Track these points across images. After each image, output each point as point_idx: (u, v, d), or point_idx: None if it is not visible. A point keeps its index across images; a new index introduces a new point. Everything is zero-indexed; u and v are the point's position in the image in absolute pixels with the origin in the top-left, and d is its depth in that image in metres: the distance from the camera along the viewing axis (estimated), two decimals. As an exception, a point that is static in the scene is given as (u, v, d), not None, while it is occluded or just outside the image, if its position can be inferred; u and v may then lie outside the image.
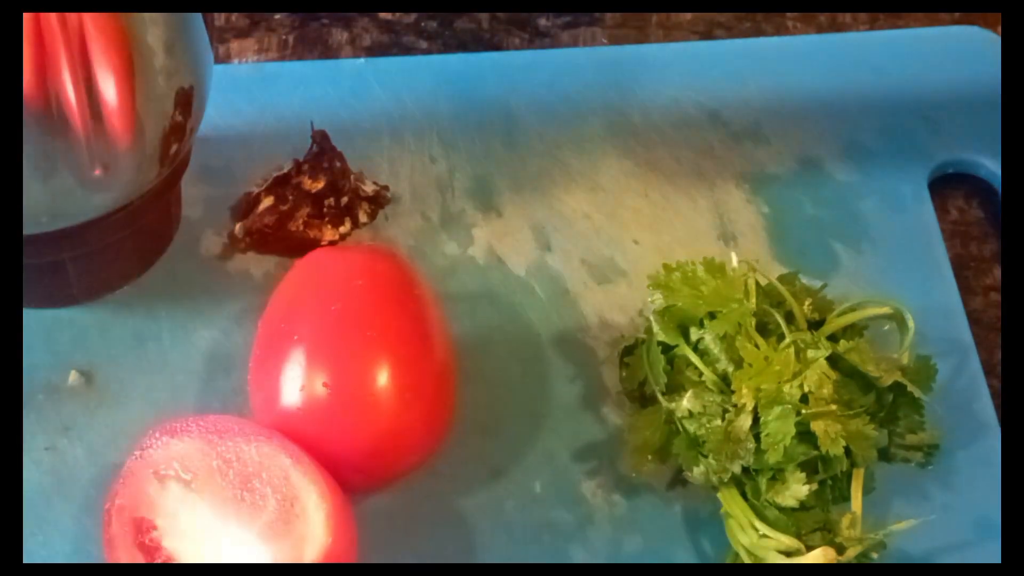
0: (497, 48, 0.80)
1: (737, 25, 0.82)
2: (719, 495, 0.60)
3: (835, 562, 0.57)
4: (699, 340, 0.62)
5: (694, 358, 0.61)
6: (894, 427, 0.62)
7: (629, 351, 0.65)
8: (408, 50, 0.79)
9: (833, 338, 0.62)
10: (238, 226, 0.69)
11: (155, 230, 0.67)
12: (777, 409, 0.59)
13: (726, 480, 0.59)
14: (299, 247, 0.67)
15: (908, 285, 0.70)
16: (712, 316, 0.61)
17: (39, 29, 0.51)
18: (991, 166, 0.75)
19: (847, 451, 0.59)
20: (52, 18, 0.51)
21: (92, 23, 0.52)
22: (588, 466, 0.64)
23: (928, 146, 0.76)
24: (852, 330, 0.63)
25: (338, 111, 0.74)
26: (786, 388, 0.59)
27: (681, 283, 0.62)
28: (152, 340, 0.65)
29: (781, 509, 0.59)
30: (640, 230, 0.72)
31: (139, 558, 0.54)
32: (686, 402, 0.60)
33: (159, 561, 0.54)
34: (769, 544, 0.58)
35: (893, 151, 0.76)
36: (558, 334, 0.68)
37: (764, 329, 0.62)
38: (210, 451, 0.56)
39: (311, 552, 0.54)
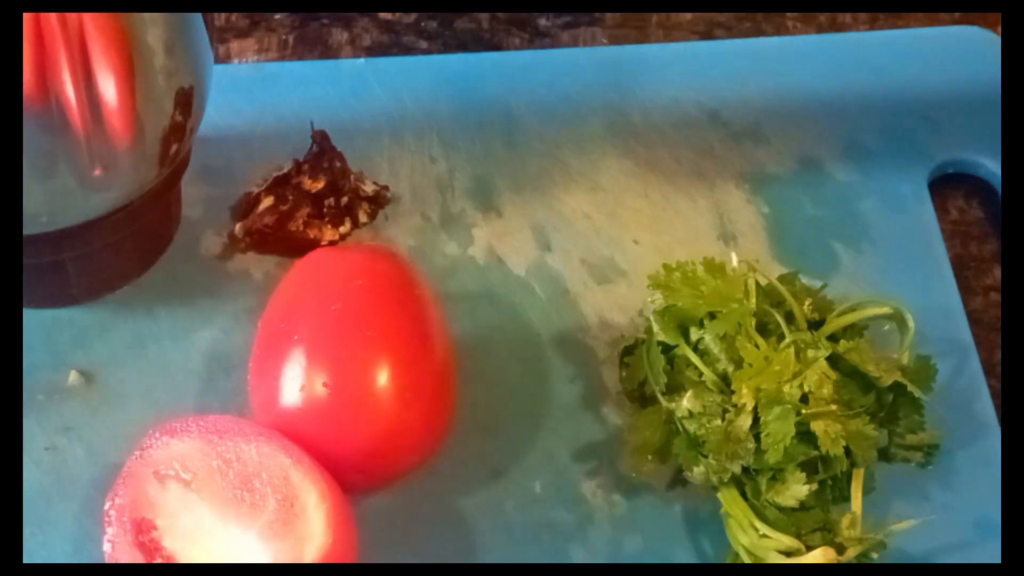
0: (497, 48, 0.80)
1: (737, 25, 0.82)
2: (719, 495, 0.60)
3: (835, 562, 0.57)
4: (699, 340, 0.62)
5: (694, 358, 0.61)
6: (894, 427, 0.62)
7: (629, 351, 0.65)
8: (408, 50, 0.79)
9: (833, 338, 0.62)
10: (238, 226, 0.69)
11: (155, 230, 0.67)
12: (777, 409, 0.59)
13: (726, 480, 0.59)
14: (299, 247, 0.67)
15: (908, 285, 0.70)
16: (712, 316, 0.61)
17: (39, 29, 0.51)
18: (991, 166, 0.75)
19: (847, 451, 0.59)
20: (52, 18, 0.51)
21: (92, 23, 0.52)
22: (588, 466, 0.64)
23: (928, 146, 0.76)
24: (852, 330, 0.63)
25: (338, 111, 0.74)
26: (786, 388, 0.59)
27: (681, 283, 0.62)
28: (152, 340, 0.65)
29: (781, 509, 0.59)
30: (640, 230, 0.72)
31: (139, 558, 0.54)
32: (686, 402, 0.60)
33: (159, 561, 0.54)
34: (769, 544, 0.58)
35: (893, 151, 0.76)
36: (558, 334, 0.68)
37: (764, 329, 0.62)
38: (210, 451, 0.56)
39: (311, 552, 0.54)
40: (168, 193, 0.64)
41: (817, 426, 0.59)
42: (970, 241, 0.74)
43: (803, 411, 0.59)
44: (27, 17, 0.51)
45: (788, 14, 0.83)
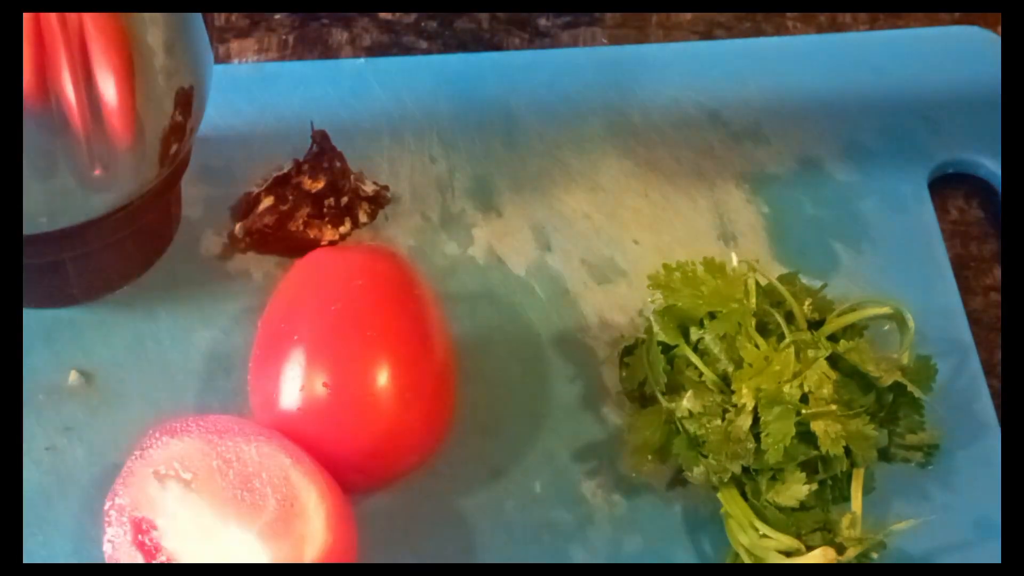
0: (497, 48, 0.80)
1: (737, 25, 0.82)
2: (719, 495, 0.60)
3: (835, 562, 0.57)
4: (699, 340, 0.62)
5: (694, 358, 0.61)
6: (894, 427, 0.62)
7: (629, 351, 0.65)
8: (408, 50, 0.79)
9: (833, 338, 0.62)
10: (238, 226, 0.69)
11: (155, 230, 0.67)
12: (777, 409, 0.59)
13: (726, 480, 0.59)
14: (299, 247, 0.67)
15: (908, 285, 0.70)
16: (712, 316, 0.61)
17: (39, 29, 0.51)
18: (991, 166, 0.75)
19: (847, 451, 0.59)
20: (52, 18, 0.51)
21: (92, 23, 0.52)
22: (588, 466, 0.64)
23: (928, 146, 0.76)
24: (852, 330, 0.63)
25: (338, 111, 0.74)
26: (786, 388, 0.59)
27: (681, 283, 0.62)
28: (152, 340, 0.65)
29: (781, 509, 0.59)
30: (640, 230, 0.72)
31: (139, 558, 0.54)
32: (686, 402, 0.60)
33: (159, 561, 0.54)
34: (769, 544, 0.58)
35: (893, 151, 0.76)
36: (558, 334, 0.68)
37: (764, 329, 0.62)
38: (210, 451, 0.56)
39: (311, 552, 0.54)
40: (168, 193, 0.64)
41: (817, 426, 0.59)
42: (970, 241, 0.74)
43: (803, 411, 0.59)
44: (27, 17, 0.51)
45: (788, 14, 0.83)
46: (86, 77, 0.53)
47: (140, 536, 0.54)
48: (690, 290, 0.62)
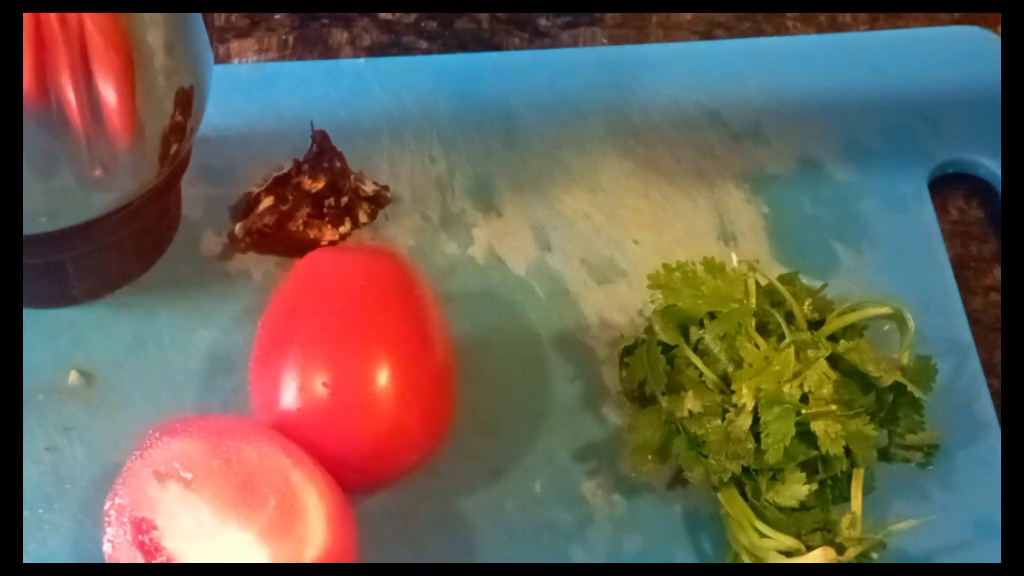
0: (497, 48, 0.80)
1: (737, 25, 0.82)
2: (719, 495, 0.60)
3: (835, 562, 0.57)
4: (699, 340, 0.62)
5: (694, 358, 0.61)
6: (894, 427, 0.62)
7: (629, 351, 0.65)
8: (408, 50, 0.79)
9: (833, 338, 0.62)
10: (238, 226, 0.69)
11: (155, 230, 0.67)
12: (777, 409, 0.59)
13: (726, 480, 0.59)
14: (299, 247, 0.67)
15: (908, 285, 0.70)
16: (712, 316, 0.61)
17: (39, 29, 0.51)
18: (991, 166, 0.75)
19: (847, 451, 0.59)
20: (52, 18, 0.51)
21: (92, 23, 0.52)
22: (588, 466, 0.64)
23: (928, 146, 0.76)
24: (852, 330, 0.63)
25: (338, 111, 0.74)
26: (786, 388, 0.59)
27: (681, 283, 0.62)
28: (152, 340, 0.65)
29: (781, 509, 0.59)
30: (640, 230, 0.72)
31: (139, 558, 0.54)
32: (686, 402, 0.60)
33: (159, 561, 0.54)
34: (769, 544, 0.58)
35: (893, 151, 0.76)
36: (558, 334, 0.68)
37: (764, 329, 0.62)
38: (210, 451, 0.56)
39: (311, 552, 0.54)
40: (168, 193, 0.64)
41: (817, 426, 0.59)
42: (970, 241, 0.74)
43: (803, 411, 0.59)
44: (27, 17, 0.51)
45: (788, 14, 0.83)
46: (86, 77, 0.53)
47: (140, 536, 0.54)
48: (690, 290, 0.62)
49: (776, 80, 0.78)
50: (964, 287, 0.71)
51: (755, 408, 0.59)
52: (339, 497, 0.56)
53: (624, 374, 0.65)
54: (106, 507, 0.55)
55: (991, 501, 0.63)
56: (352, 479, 0.58)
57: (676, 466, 0.62)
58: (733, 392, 0.60)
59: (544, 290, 0.69)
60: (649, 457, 0.62)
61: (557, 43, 0.80)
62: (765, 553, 0.58)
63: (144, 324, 0.66)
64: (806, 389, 0.59)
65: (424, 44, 0.80)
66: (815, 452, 0.59)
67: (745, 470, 0.59)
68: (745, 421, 0.59)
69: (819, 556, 0.57)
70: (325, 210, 0.69)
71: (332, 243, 0.69)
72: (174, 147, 0.60)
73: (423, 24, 0.80)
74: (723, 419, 0.60)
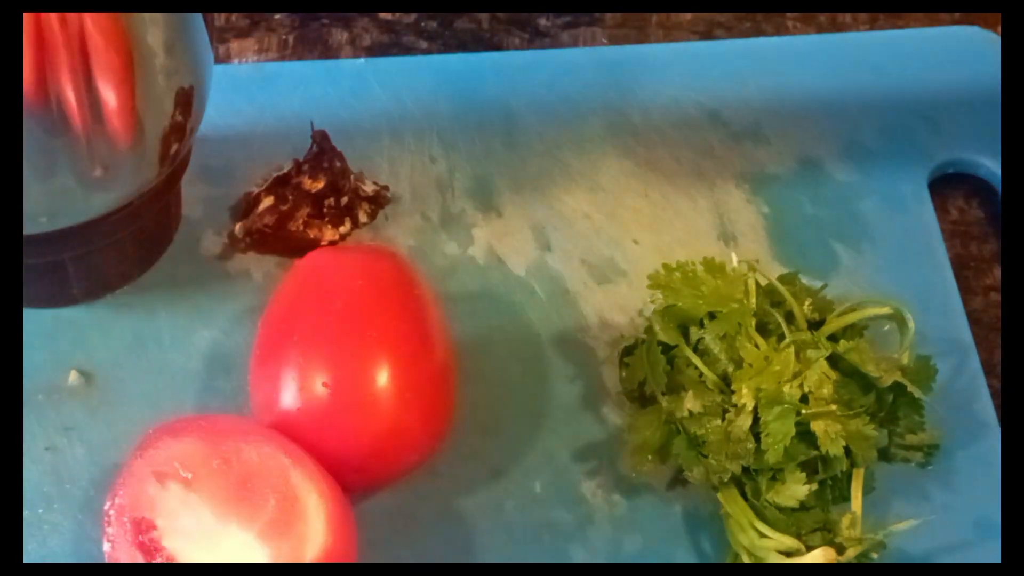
0: (497, 48, 0.80)
1: (737, 25, 0.82)
2: (719, 495, 0.60)
3: (835, 562, 0.57)
4: (699, 340, 0.62)
5: (694, 358, 0.61)
6: (894, 427, 0.62)
7: (629, 351, 0.65)
8: (408, 50, 0.79)
9: (833, 338, 0.62)
10: (238, 226, 0.69)
11: (155, 230, 0.67)
12: (777, 409, 0.59)
13: (726, 480, 0.59)
14: (299, 247, 0.67)
15: (908, 285, 0.70)
16: (712, 316, 0.61)
17: (39, 29, 0.51)
18: (991, 166, 0.75)
19: (847, 451, 0.59)
20: (52, 18, 0.51)
21: (92, 23, 0.52)
22: (588, 466, 0.64)
23: (928, 146, 0.76)
24: (852, 330, 0.63)
25: (338, 111, 0.74)
26: (786, 388, 0.59)
27: (681, 283, 0.62)
28: (152, 340, 0.65)
29: (781, 509, 0.59)
30: (640, 230, 0.72)
31: (139, 558, 0.54)
32: (686, 402, 0.60)
33: (159, 561, 0.54)
34: (769, 544, 0.58)
35: (893, 151, 0.76)
36: (558, 334, 0.68)
37: (764, 329, 0.62)
38: (210, 451, 0.56)
39: (311, 552, 0.54)
40: (168, 193, 0.64)
41: (817, 426, 0.59)
42: (970, 241, 0.74)
43: (803, 411, 0.59)
44: (27, 17, 0.51)
45: (788, 14, 0.83)
46: (86, 77, 0.53)
47: (140, 536, 0.54)
48: (690, 290, 0.62)
49: (776, 80, 0.78)
50: (964, 287, 0.71)
51: (755, 408, 0.59)
52: (339, 497, 0.56)
53: (624, 374, 0.65)
54: (106, 507, 0.55)
55: (991, 501, 0.63)
56: (352, 479, 0.58)
57: (676, 466, 0.62)
58: (733, 392, 0.60)
59: (544, 290, 0.69)
60: (649, 457, 0.62)
61: (557, 43, 0.80)
62: (765, 553, 0.58)
63: (144, 324, 0.66)
64: (806, 389, 0.59)
65: (424, 44, 0.80)
66: (815, 452, 0.59)
67: (745, 470, 0.59)
68: (745, 421, 0.59)
69: (819, 556, 0.57)
70: (325, 210, 0.69)
71: (332, 243, 0.69)
72: (174, 147, 0.60)
73: (423, 24, 0.80)
74: (723, 419, 0.60)
